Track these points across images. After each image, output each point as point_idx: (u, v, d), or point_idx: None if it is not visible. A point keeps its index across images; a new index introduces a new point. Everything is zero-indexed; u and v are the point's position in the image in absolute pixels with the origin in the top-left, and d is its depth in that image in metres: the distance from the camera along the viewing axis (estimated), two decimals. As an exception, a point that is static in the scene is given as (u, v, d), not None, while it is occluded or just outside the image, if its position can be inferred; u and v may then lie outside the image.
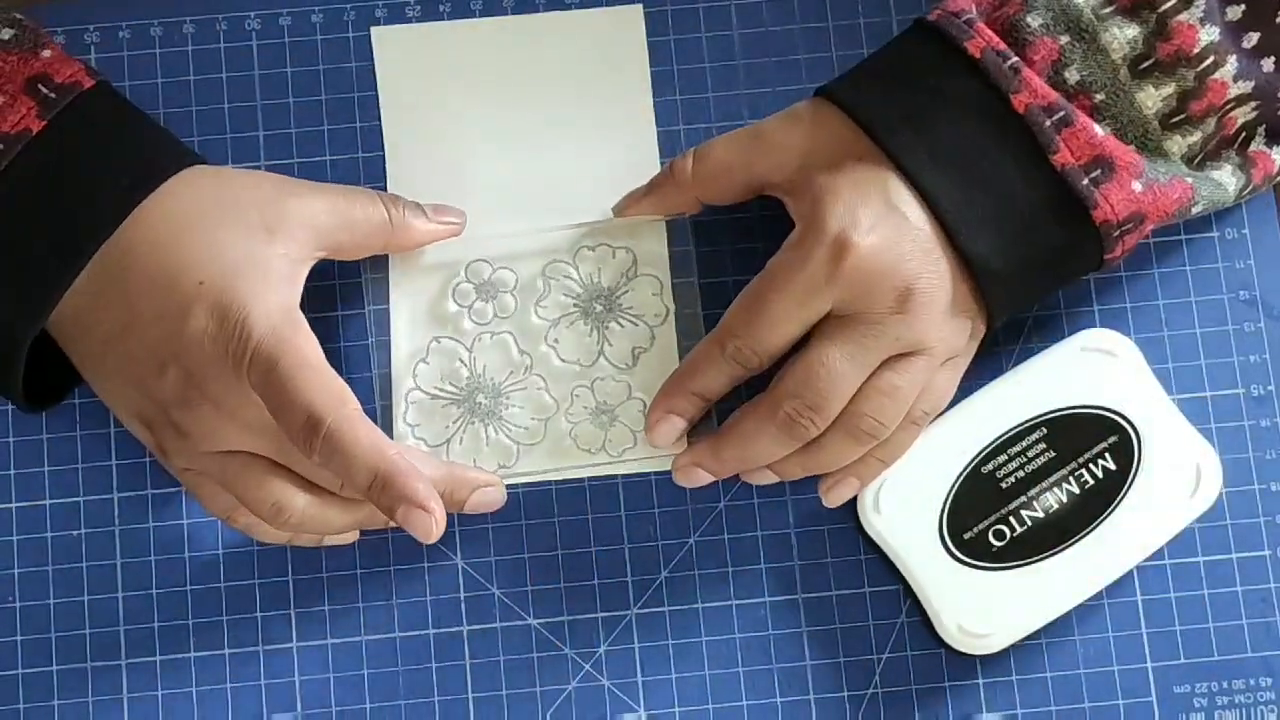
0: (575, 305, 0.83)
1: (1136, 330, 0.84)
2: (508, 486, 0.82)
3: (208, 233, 0.75)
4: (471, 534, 0.83)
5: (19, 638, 0.81)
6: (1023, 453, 0.80)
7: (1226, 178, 0.79)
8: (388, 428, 0.82)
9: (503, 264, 0.83)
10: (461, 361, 0.82)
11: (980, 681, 0.82)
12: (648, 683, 0.82)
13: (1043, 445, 0.80)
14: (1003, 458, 0.80)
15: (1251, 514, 0.83)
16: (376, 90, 0.86)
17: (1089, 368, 0.81)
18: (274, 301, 0.74)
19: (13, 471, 0.83)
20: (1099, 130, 0.76)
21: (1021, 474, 0.80)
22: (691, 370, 0.79)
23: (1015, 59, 0.76)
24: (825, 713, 0.81)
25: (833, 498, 0.80)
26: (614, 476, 0.83)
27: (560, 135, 0.86)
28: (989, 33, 0.76)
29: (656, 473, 0.83)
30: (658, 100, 0.87)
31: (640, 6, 0.88)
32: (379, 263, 0.83)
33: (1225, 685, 0.82)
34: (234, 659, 0.82)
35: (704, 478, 0.80)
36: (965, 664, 0.81)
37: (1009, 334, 0.84)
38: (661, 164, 0.85)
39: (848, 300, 0.75)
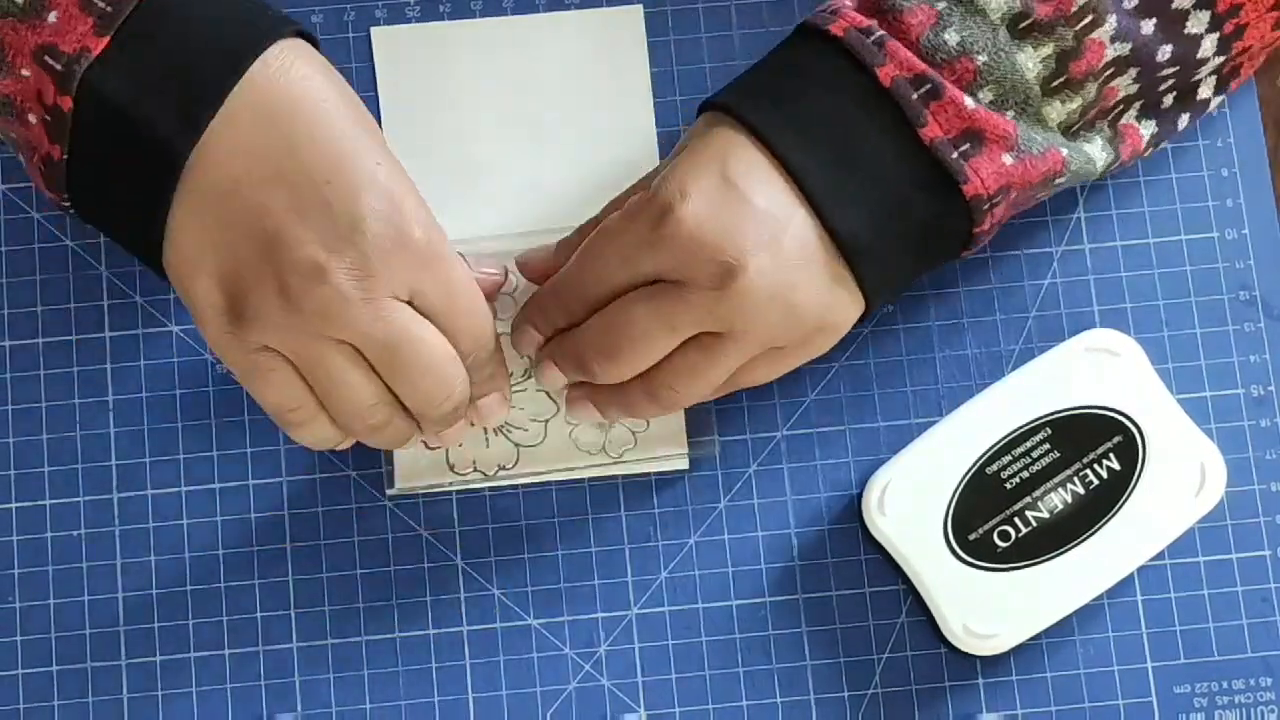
0: (576, 305, 0.83)
1: (1136, 330, 0.84)
2: (509, 487, 0.82)
3: (368, 121, 0.74)
4: (471, 534, 0.83)
5: (19, 638, 0.81)
6: (1027, 453, 0.80)
7: (1096, 152, 0.79)
8: (388, 428, 0.82)
9: (503, 265, 0.83)
10: (462, 362, 0.82)
11: (980, 682, 0.82)
12: (648, 683, 0.82)
13: (1047, 446, 0.80)
14: (1007, 458, 0.80)
15: (1252, 514, 0.83)
16: (376, 90, 0.86)
17: (1092, 368, 0.81)
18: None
19: (13, 472, 0.83)
20: (969, 102, 0.75)
21: (1026, 475, 0.80)
22: (532, 303, 0.79)
23: (880, 33, 0.75)
24: (825, 713, 0.81)
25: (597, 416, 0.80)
26: (614, 476, 0.83)
27: (560, 136, 0.86)
28: (854, 15, 0.76)
29: (657, 473, 0.83)
30: (658, 101, 0.87)
31: (640, 6, 0.88)
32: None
33: (1225, 685, 0.82)
34: (234, 659, 0.81)
35: (556, 374, 0.78)
36: (966, 664, 0.82)
37: (1011, 335, 0.84)
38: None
39: (671, 269, 0.74)
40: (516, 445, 0.82)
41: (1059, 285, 0.85)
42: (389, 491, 0.82)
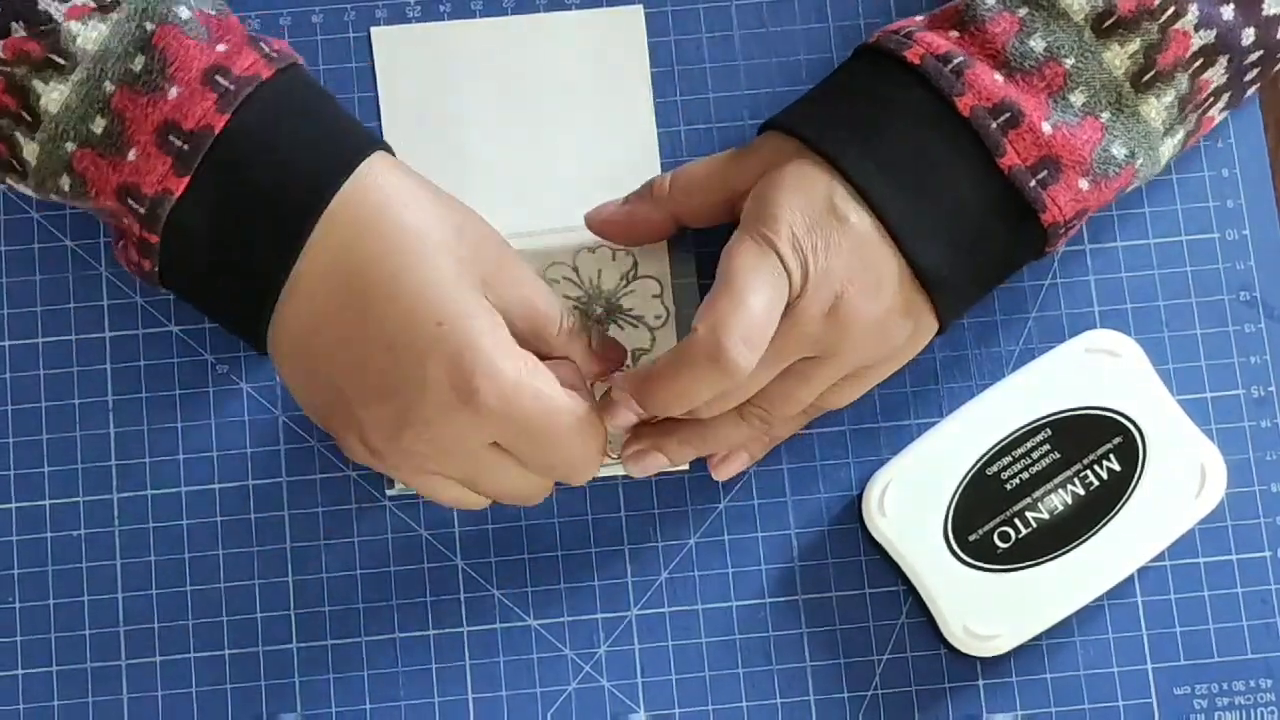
0: (576, 307, 0.83)
1: (1137, 331, 0.84)
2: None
3: (438, 255, 0.73)
4: (471, 534, 0.83)
5: (19, 638, 0.81)
6: (1027, 454, 0.80)
7: (1168, 150, 0.79)
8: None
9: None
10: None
11: (980, 683, 0.82)
12: (648, 684, 0.82)
13: (1047, 447, 0.80)
14: (1007, 459, 0.80)
15: (1252, 515, 0.83)
16: (376, 90, 0.86)
17: (1093, 369, 0.81)
18: (507, 346, 0.73)
19: (12, 472, 0.83)
20: (1046, 128, 0.75)
21: (1026, 475, 0.80)
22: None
23: (959, 60, 0.76)
24: (826, 714, 0.81)
25: (722, 471, 0.81)
26: (614, 476, 0.83)
27: (560, 136, 0.86)
28: (930, 39, 0.76)
29: (657, 473, 0.83)
30: (658, 101, 0.87)
31: (640, 7, 0.88)
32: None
33: (1225, 687, 0.82)
34: (234, 659, 0.81)
35: (626, 416, 0.76)
36: (966, 665, 0.81)
37: (1011, 335, 0.84)
38: (662, 165, 0.85)
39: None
40: (517, 446, 0.82)
41: (1059, 285, 0.85)
42: (389, 491, 0.82)
